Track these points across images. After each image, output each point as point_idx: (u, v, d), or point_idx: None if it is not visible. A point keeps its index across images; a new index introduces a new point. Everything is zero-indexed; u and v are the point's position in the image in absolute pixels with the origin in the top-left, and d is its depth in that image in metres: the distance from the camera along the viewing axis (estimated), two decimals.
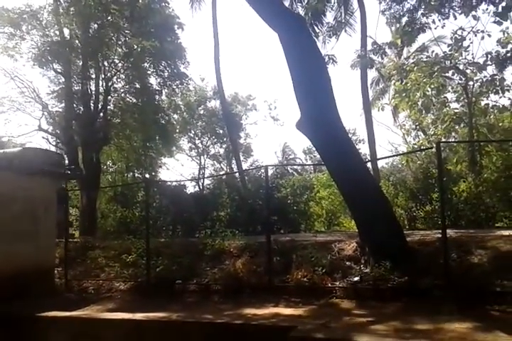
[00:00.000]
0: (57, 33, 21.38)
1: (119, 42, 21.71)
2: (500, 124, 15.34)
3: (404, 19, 14.96)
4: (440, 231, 6.64)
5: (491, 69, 14.28)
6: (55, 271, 9.64)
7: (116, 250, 9.84)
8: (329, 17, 19.93)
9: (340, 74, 56.73)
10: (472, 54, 14.89)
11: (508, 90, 14.86)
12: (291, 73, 8.07)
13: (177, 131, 29.26)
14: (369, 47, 18.83)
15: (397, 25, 17.29)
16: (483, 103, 15.56)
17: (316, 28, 19.42)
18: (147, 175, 25.32)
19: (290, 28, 8.10)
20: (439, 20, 13.68)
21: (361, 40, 19.74)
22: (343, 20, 20.22)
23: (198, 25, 54.37)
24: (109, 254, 9.92)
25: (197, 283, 8.32)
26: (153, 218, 11.66)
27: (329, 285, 7.31)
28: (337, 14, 20.29)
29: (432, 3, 13.62)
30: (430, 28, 14.43)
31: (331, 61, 18.92)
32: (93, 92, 21.71)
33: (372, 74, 27.03)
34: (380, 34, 69.32)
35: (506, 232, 8.11)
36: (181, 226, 12.25)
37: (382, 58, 20.88)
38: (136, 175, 25.85)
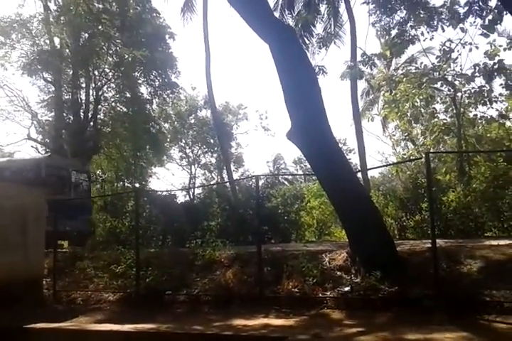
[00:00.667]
0: (48, 42, 21.41)
1: (110, 52, 21.77)
2: (489, 135, 15.52)
3: (394, 31, 15.21)
4: (430, 241, 6.68)
5: (478, 81, 14.52)
6: (44, 282, 9.52)
7: (106, 260, 9.74)
8: (319, 28, 20.15)
9: (331, 85, 57.30)
10: (460, 65, 15.17)
11: (496, 101, 15.14)
12: (281, 83, 8.12)
13: (168, 140, 29.25)
14: (358, 58, 19.06)
15: (387, 37, 17.56)
16: (471, 114, 15.78)
17: (306, 39, 19.61)
18: (137, 185, 25.19)
19: (280, 38, 8.17)
20: (428, 32, 13.94)
21: (351, 51, 19.90)
22: (333, 32, 20.43)
23: (190, 35, 54.64)
24: (98, 265, 9.81)
25: (187, 293, 8.25)
26: (143, 228, 11.56)
27: (320, 295, 7.29)
28: (326, 26, 20.50)
29: (421, 15, 13.87)
30: (419, 40, 14.69)
31: (321, 72, 19.14)
32: (83, 101, 21.70)
33: (362, 85, 27.28)
34: (369, 45, 70.21)
35: (495, 242, 8.18)
36: (172, 236, 12.16)
37: (372, 69, 21.09)
38: (126, 184, 25.70)
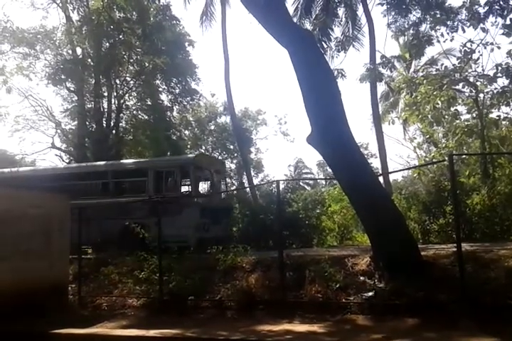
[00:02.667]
0: (70, 52, 21.90)
1: (131, 60, 22.13)
2: None
3: (410, 32, 15.10)
4: (455, 244, 6.57)
5: (501, 81, 14.24)
6: (69, 288, 9.66)
7: (129, 266, 9.84)
8: (337, 32, 20.08)
9: (350, 88, 57.04)
10: (482, 66, 14.88)
11: None
12: (301, 88, 8.12)
13: (188, 146, 29.49)
14: (378, 60, 18.94)
15: (404, 38, 17.42)
16: (494, 115, 15.49)
17: (324, 43, 19.58)
18: None
19: (299, 44, 8.19)
20: (448, 33, 13.79)
21: (370, 54, 19.82)
22: (351, 35, 20.36)
23: (209, 42, 55.15)
24: (122, 270, 9.92)
25: (210, 299, 8.28)
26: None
27: (343, 300, 7.23)
28: (345, 29, 20.43)
29: (438, 16, 13.74)
30: (438, 41, 14.53)
31: (340, 75, 19.10)
32: (105, 110, 22.08)
33: (381, 87, 27.08)
34: (388, 47, 69.68)
35: None
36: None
37: (391, 71, 20.99)
38: None
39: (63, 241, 9.28)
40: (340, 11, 20.04)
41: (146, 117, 23.05)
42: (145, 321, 7.92)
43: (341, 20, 20.22)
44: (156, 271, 8.93)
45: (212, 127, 31.77)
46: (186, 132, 29.53)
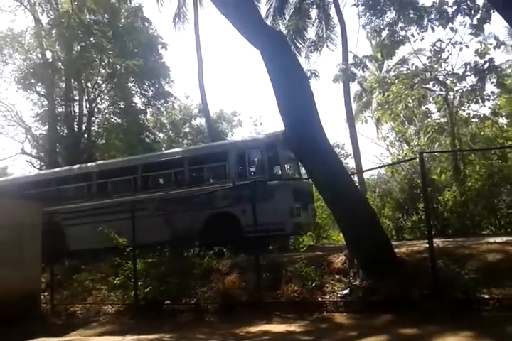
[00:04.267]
0: (40, 55, 21.49)
1: (103, 63, 21.86)
2: (482, 133, 15.58)
3: (385, 33, 15.30)
4: (427, 240, 6.68)
5: (470, 80, 14.56)
6: (42, 296, 9.46)
7: (103, 272, 9.69)
8: (311, 33, 20.22)
9: (325, 89, 57.56)
10: (451, 65, 15.20)
11: (488, 99, 15.18)
12: (274, 89, 8.13)
13: (163, 149, 29.23)
14: (350, 60, 19.14)
15: (378, 38, 17.65)
16: (464, 113, 15.83)
17: (298, 43, 19.70)
18: None
19: (271, 44, 8.18)
20: (418, 33, 14.02)
21: (343, 54, 20.00)
22: (325, 36, 20.53)
23: (183, 44, 54.87)
24: (96, 277, 9.76)
25: (187, 303, 8.21)
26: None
27: (320, 299, 7.27)
28: (318, 30, 20.59)
29: (411, 15, 13.96)
30: (409, 42, 14.77)
31: (313, 76, 19.21)
32: (77, 114, 21.76)
33: (355, 87, 27.35)
34: (361, 48, 70.56)
35: (492, 239, 8.18)
36: (169, 246, 12.14)
37: (364, 71, 21.19)
38: None
39: (35, 249, 9.08)
40: (313, 12, 20.21)
41: (119, 120, 22.80)
42: (121, 327, 7.82)
43: (314, 22, 20.40)
44: (131, 277, 8.82)
45: (187, 129, 31.57)
46: (161, 135, 29.29)
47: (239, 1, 8.45)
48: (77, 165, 14.43)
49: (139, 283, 8.64)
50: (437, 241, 7.46)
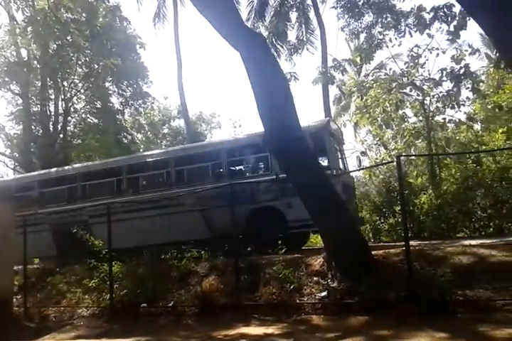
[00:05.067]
0: (15, 53, 21.00)
1: (80, 62, 21.53)
2: (457, 138, 15.89)
3: (363, 35, 15.48)
4: (403, 243, 6.76)
5: (446, 85, 14.84)
6: (14, 299, 9.23)
7: (78, 275, 9.52)
8: (291, 35, 20.35)
9: (306, 91, 57.94)
10: (428, 70, 15.45)
11: (464, 105, 15.50)
12: (253, 91, 8.13)
13: (141, 150, 28.95)
14: (330, 63, 19.33)
15: (356, 41, 17.85)
16: (440, 117, 16.12)
17: (278, 46, 19.80)
18: None
19: (251, 46, 8.19)
20: (396, 38, 14.24)
21: (322, 57, 20.21)
22: (304, 39, 20.69)
23: (162, 44, 54.49)
24: (70, 280, 9.58)
25: (163, 305, 8.12)
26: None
27: (298, 301, 7.28)
28: (298, 33, 20.75)
29: (388, 19, 14.16)
30: (387, 46, 14.97)
31: (293, 78, 19.31)
32: (52, 113, 21.37)
33: (334, 91, 27.62)
34: (340, 51, 71.22)
35: (467, 242, 8.34)
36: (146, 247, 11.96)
37: (343, 75, 21.42)
38: None
39: (7, 251, 8.85)
40: (293, 15, 20.35)
41: (96, 120, 22.49)
42: (96, 331, 7.70)
43: (294, 24, 20.54)
44: (106, 279, 8.69)
45: (166, 130, 31.32)
46: (139, 136, 28.98)
47: (219, 3, 8.44)
48: (104, 160, 14.01)
49: (115, 286, 8.52)
50: (413, 244, 7.57)
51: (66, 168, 14.86)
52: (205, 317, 7.56)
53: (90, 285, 8.82)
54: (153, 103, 26.47)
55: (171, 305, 8.08)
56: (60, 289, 9.46)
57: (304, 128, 10.58)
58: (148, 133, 30.51)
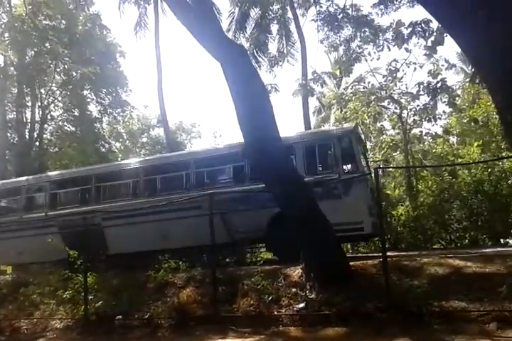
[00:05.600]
0: None
1: (58, 70, 21.29)
2: (434, 150, 16.20)
3: (342, 49, 15.74)
4: (381, 254, 6.81)
5: (423, 99, 15.15)
6: None
7: (52, 286, 9.28)
8: (272, 47, 20.54)
9: (286, 102, 58.37)
10: (406, 84, 15.78)
11: (440, 118, 15.85)
12: (234, 102, 8.15)
13: (119, 159, 28.64)
14: (310, 76, 19.58)
15: (335, 54, 18.14)
16: (417, 130, 16.43)
17: (259, 57, 19.97)
18: None
19: (231, 57, 8.23)
20: (374, 52, 14.52)
21: (302, 70, 20.45)
22: (285, 51, 20.91)
23: (143, 53, 54.38)
24: (44, 291, 9.33)
25: (139, 317, 7.97)
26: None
27: (276, 313, 7.23)
28: (279, 45, 20.96)
29: (367, 33, 14.45)
30: (366, 60, 15.25)
31: (274, 90, 19.47)
32: (29, 121, 21.04)
33: (314, 102, 27.93)
34: (321, 63, 72.15)
35: (442, 253, 8.43)
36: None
37: (322, 87, 21.71)
38: None
39: None
40: (274, 27, 20.58)
41: (73, 128, 22.20)
42: None
43: (275, 37, 20.77)
44: (81, 291, 8.50)
45: (145, 139, 31.10)
46: (117, 144, 28.69)
47: (200, 13, 8.49)
48: (124, 161, 13.46)
49: (90, 297, 8.34)
50: (391, 255, 7.62)
51: (78, 169, 14.56)
52: (182, 330, 7.44)
53: (64, 296, 8.61)
54: (132, 112, 26.35)
55: (146, 317, 7.93)
56: (33, 300, 9.21)
57: (332, 131, 10.83)
58: (127, 141, 30.24)
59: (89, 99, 22.77)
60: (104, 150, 23.15)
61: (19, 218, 11.77)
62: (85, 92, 22.35)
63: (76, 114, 21.97)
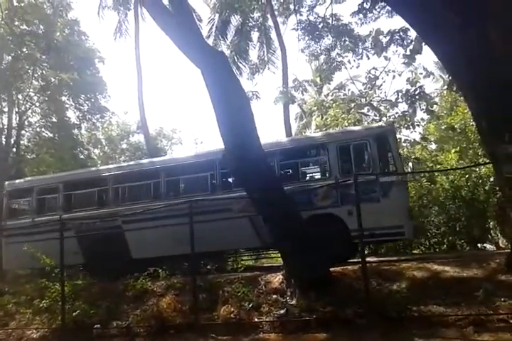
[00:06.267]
0: None
1: (36, 75, 20.97)
2: (413, 157, 16.43)
3: (322, 57, 15.94)
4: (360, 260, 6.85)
5: (402, 106, 15.41)
6: None
7: (28, 295, 9.08)
8: (253, 55, 20.63)
9: (267, 108, 58.58)
10: (385, 92, 16.05)
11: (418, 125, 16.13)
12: (214, 109, 8.14)
13: (98, 166, 28.26)
14: (291, 83, 19.73)
15: (316, 63, 18.35)
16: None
17: (240, 64, 20.05)
18: None
19: (212, 64, 8.23)
20: (354, 60, 14.75)
21: (283, 77, 20.56)
22: (266, 58, 21.05)
23: (124, 59, 53.96)
24: (20, 300, 9.13)
25: (117, 326, 7.85)
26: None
27: (256, 320, 7.21)
28: (260, 53, 21.08)
29: (347, 42, 14.67)
30: (346, 68, 15.47)
31: (255, 97, 19.55)
32: (5, 127, 20.60)
33: (296, 109, 28.08)
34: (302, 70, 72.77)
35: (421, 259, 8.53)
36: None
37: (303, 94, 21.89)
38: None
39: None
40: (255, 35, 20.71)
41: (51, 135, 21.81)
42: None
43: (256, 44, 20.89)
44: (58, 300, 8.35)
45: (125, 146, 30.77)
46: (96, 151, 28.33)
47: (181, 19, 8.49)
48: (140, 161, 12.69)
49: (67, 306, 8.19)
50: (371, 260, 7.68)
51: (96, 168, 13.99)
52: (161, 338, 7.38)
53: (41, 305, 8.45)
54: (111, 118, 26.07)
55: (125, 325, 7.82)
56: (9, 310, 9.01)
57: (368, 129, 10.34)
58: (106, 148, 29.87)
59: (67, 105, 22.46)
60: (82, 156, 22.82)
61: (31, 221, 11.26)
62: (64, 98, 22.02)
63: (54, 120, 21.63)
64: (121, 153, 30.11)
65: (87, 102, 22.42)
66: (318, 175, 10.44)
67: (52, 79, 20.34)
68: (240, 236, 9.34)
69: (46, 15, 20.13)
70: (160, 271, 8.95)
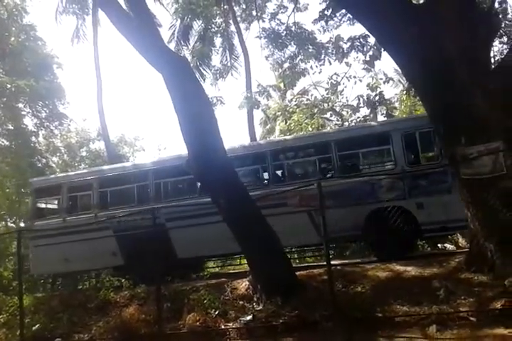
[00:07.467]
0: None
1: None
2: None
3: (286, 65, 16.10)
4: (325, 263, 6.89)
5: (363, 111, 15.75)
6: None
7: None
8: (216, 60, 20.57)
9: (232, 114, 58.57)
10: (346, 97, 16.36)
11: None
12: (177, 115, 8.06)
13: (57, 174, 27.43)
14: (254, 89, 19.82)
15: (280, 70, 18.54)
16: None
17: (203, 70, 19.95)
18: (22, 224, 23.03)
19: (173, 69, 8.14)
20: (317, 66, 14.97)
21: (246, 83, 20.62)
22: (229, 64, 21.06)
23: (83, 65, 52.85)
24: None
25: (80, 339, 7.60)
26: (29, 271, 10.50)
27: (223, 327, 7.12)
28: (223, 58, 21.06)
29: (310, 50, 14.89)
30: (309, 74, 15.69)
31: (219, 102, 19.50)
32: None
33: (260, 114, 28.21)
34: (266, 75, 73.31)
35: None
36: (62, 278, 11.06)
37: (268, 100, 22.07)
38: (10, 224, 23.40)
39: None
40: (218, 40, 20.68)
41: (7, 143, 21.11)
42: None
43: (219, 50, 20.87)
44: (16, 314, 8.00)
45: (84, 153, 30.02)
46: (54, 159, 27.51)
47: (140, 23, 8.37)
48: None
49: (26, 320, 7.86)
50: (335, 263, 7.74)
51: (137, 162, 13.10)
52: None
53: None
54: (69, 125, 25.50)
55: (88, 338, 7.58)
56: None
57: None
58: (65, 155, 29.07)
59: (24, 112, 21.82)
60: (40, 165, 22.15)
61: (62, 221, 10.63)
62: (20, 105, 21.39)
63: (10, 127, 20.97)
64: (81, 161, 29.37)
65: (44, 109, 21.85)
66: (381, 165, 9.92)
67: (8, 86, 19.68)
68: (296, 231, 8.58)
69: (0, 19, 19.53)
70: (123, 280, 8.73)
